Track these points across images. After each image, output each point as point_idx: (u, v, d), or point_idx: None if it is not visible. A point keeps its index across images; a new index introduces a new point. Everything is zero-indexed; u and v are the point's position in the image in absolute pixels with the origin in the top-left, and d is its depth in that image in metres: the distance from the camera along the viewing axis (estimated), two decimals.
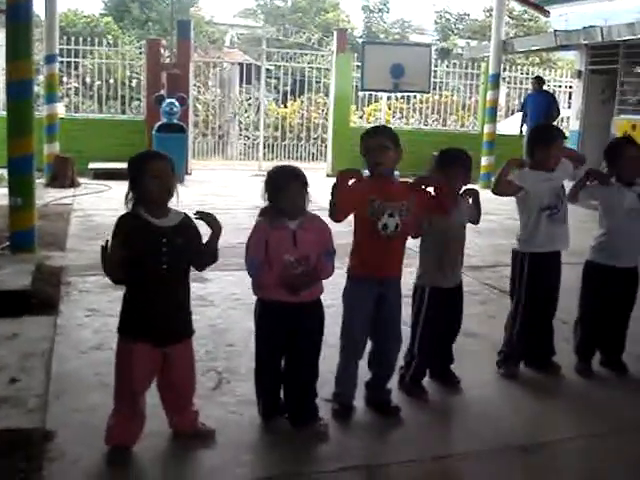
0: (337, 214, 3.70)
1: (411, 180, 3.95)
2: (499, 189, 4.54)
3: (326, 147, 16.49)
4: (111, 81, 15.57)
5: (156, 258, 3.19)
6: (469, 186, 4.38)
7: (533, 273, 4.55)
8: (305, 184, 3.52)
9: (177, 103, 13.32)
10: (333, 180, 3.72)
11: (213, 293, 6.00)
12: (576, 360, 4.81)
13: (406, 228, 3.83)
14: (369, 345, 3.99)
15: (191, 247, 3.28)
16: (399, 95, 16.52)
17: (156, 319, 3.23)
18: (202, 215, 3.24)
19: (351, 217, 3.84)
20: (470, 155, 4.30)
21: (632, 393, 4.49)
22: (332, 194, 3.69)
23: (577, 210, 4.68)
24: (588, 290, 4.78)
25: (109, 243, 3.09)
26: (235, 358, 4.52)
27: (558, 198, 4.53)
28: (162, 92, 13.85)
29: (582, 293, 4.82)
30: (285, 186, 3.47)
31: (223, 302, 5.81)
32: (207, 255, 3.34)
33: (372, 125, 14.87)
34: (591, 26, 14.85)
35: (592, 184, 4.66)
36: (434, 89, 16.96)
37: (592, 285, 4.74)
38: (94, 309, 5.52)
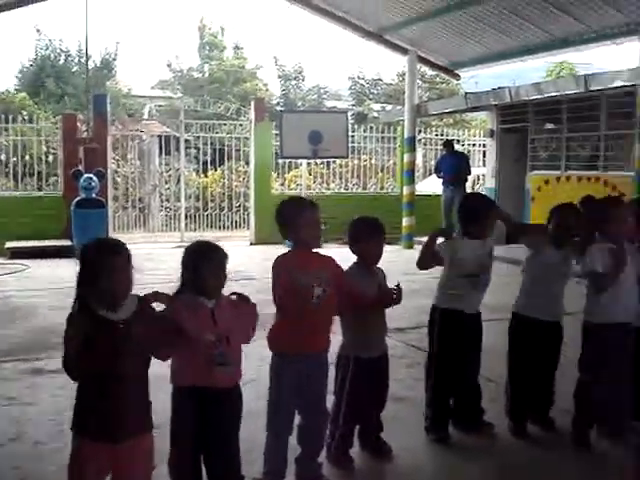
0: None
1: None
2: (423, 264, 4.56)
3: (249, 215, 16.54)
4: (27, 157, 15.35)
5: (113, 352, 2.99)
6: None
7: (445, 329, 4.58)
8: (224, 261, 3.42)
9: (95, 177, 13.21)
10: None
11: None
12: (509, 422, 4.79)
13: (331, 298, 3.81)
14: (297, 419, 3.93)
15: (151, 334, 3.09)
16: (319, 161, 16.75)
17: (112, 415, 3.01)
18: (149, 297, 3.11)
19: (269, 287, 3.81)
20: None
21: (565, 451, 4.50)
22: None
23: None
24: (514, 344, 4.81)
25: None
26: (159, 443, 4.36)
27: (482, 268, 4.58)
28: (79, 167, 13.72)
29: (509, 348, 4.84)
30: (205, 263, 3.35)
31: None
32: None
33: (294, 193, 15.05)
34: (500, 87, 15.45)
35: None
36: (353, 153, 17.28)
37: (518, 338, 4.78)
38: (12, 397, 5.30)
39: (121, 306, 3.02)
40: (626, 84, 11.75)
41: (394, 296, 4.11)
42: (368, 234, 4.18)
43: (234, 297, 3.47)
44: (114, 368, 3.00)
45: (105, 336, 2.98)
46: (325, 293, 3.75)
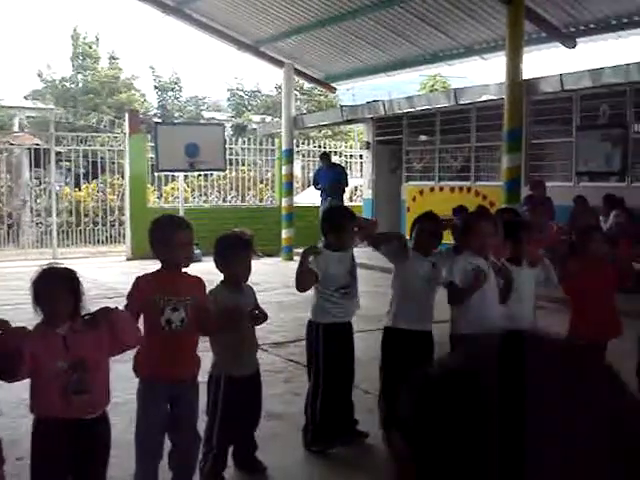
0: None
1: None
2: (303, 285, 4.55)
3: (125, 229, 16.13)
4: None
5: None
6: None
7: (328, 343, 4.58)
8: (73, 288, 3.22)
9: None
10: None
11: (1, 400, 5.54)
12: (384, 432, 4.76)
13: (196, 322, 3.69)
14: (168, 444, 3.81)
15: None
16: (197, 173, 16.54)
17: None
18: None
19: None
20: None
21: None
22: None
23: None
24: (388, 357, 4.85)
25: None
26: (24, 473, 4.15)
27: (351, 276, 4.64)
28: None
29: (382, 361, 4.86)
30: (45, 291, 3.17)
31: (13, 410, 5.34)
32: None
33: (172, 207, 14.79)
34: (374, 100, 15.76)
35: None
36: (231, 165, 17.15)
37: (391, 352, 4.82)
38: None
39: None
40: (493, 98, 12.20)
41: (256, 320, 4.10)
42: (233, 252, 4.11)
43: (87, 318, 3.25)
44: None
45: None
46: (185, 320, 3.63)
